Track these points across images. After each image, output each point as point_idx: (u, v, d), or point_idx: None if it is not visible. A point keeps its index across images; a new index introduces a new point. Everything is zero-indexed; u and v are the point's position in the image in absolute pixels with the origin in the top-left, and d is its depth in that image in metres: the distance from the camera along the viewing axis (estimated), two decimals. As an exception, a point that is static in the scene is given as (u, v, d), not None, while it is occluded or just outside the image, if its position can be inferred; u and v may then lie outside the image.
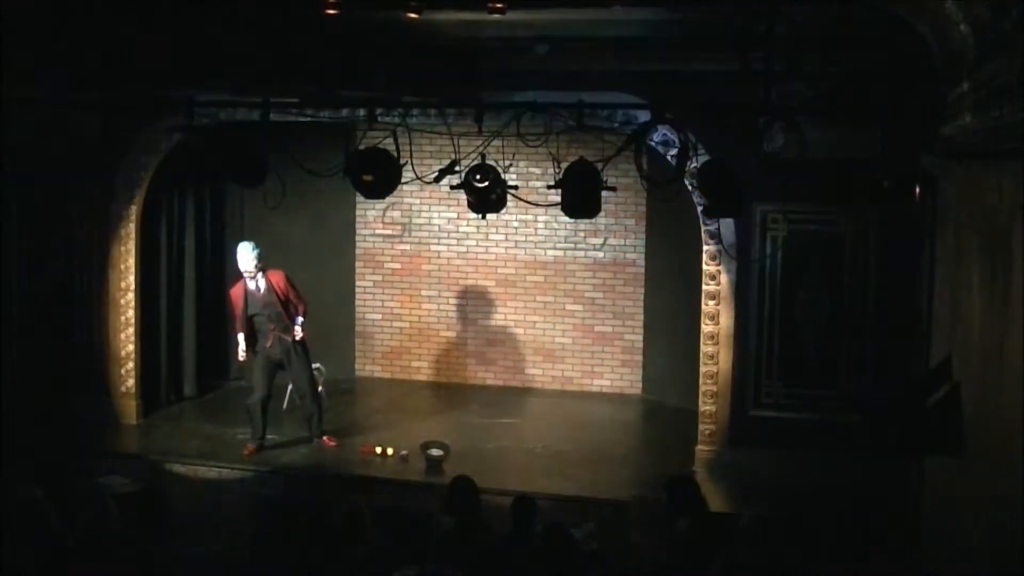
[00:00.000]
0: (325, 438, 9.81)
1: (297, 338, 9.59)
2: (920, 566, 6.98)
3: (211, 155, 9.27)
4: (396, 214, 12.26)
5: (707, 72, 8.51)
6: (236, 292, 9.65)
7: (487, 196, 7.70)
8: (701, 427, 9.26)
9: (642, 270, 11.83)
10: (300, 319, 9.61)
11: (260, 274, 9.53)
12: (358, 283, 12.49)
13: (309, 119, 8.93)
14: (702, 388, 9.26)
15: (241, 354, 9.67)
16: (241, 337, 9.62)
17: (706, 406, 9.23)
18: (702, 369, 9.25)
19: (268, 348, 9.60)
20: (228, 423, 10.44)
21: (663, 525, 6.06)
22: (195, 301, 11.41)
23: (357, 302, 12.51)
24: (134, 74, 8.63)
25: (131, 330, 10.38)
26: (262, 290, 9.53)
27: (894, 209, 8.55)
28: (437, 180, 7.81)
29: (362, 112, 8.69)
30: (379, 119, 7.82)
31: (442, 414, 11.03)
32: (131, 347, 10.39)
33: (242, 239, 11.92)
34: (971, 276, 5.86)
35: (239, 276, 9.67)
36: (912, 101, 7.45)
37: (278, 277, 9.63)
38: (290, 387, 10.78)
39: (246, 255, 9.46)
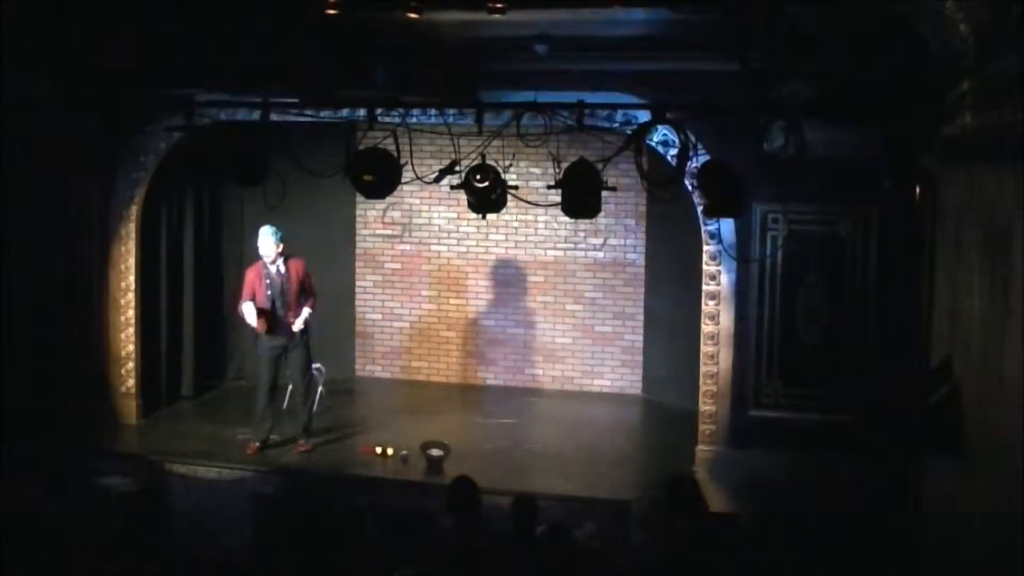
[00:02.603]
0: (300, 443, 9.70)
1: (295, 328, 9.53)
2: (920, 566, 6.98)
3: (211, 155, 9.28)
4: (396, 214, 12.27)
5: (707, 72, 8.51)
6: (254, 272, 9.56)
7: (487, 196, 7.70)
8: (701, 427, 9.26)
9: (642, 270, 11.83)
10: (307, 310, 9.57)
11: (281, 259, 9.51)
12: (358, 283, 12.49)
13: (309, 119, 8.93)
14: (702, 388, 9.26)
15: (253, 321, 9.39)
16: (248, 307, 9.38)
17: (706, 406, 9.23)
18: (702, 369, 9.25)
19: (275, 334, 9.53)
20: (227, 423, 10.45)
21: (663, 525, 6.06)
22: (194, 301, 11.41)
23: (357, 302, 12.51)
24: (134, 74, 8.62)
25: (131, 330, 10.38)
26: (281, 275, 9.51)
27: (894, 209, 8.56)
28: (437, 180, 7.81)
29: (362, 112, 8.69)
30: (379, 119, 7.81)
31: (442, 414, 11.03)
32: (131, 347, 10.39)
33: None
34: (971, 276, 5.86)
35: (256, 259, 9.65)
36: (912, 101, 7.44)
37: (298, 266, 9.59)
38: (290, 387, 10.80)
39: (267, 240, 9.43)
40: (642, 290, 11.85)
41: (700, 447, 9.26)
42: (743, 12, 6.52)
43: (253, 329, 9.62)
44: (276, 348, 9.61)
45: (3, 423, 9.16)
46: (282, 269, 9.51)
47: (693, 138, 7.53)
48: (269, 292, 9.49)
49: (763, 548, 5.69)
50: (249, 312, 9.40)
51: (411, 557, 5.74)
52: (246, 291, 9.56)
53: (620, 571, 6.24)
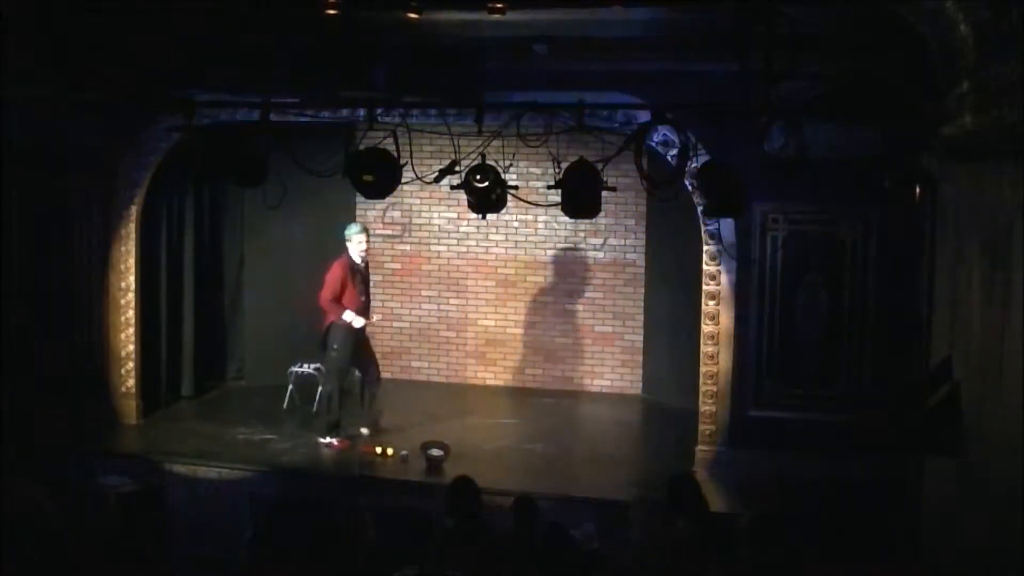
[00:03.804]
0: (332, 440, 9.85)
1: (374, 320, 10.22)
2: (920, 566, 6.98)
3: (211, 155, 9.28)
4: (396, 214, 12.27)
5: (707, 72, 8.51)
6: (342, 269, 9.75)
7: (487, 196, 7.70)
8: (701, 427, 9.25)
9: (642, 270, 11.83)
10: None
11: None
12: (358, 283, 12.48)
13: (309, 119, 8.93)
14: (702, 388, 9.25)
15: (357, 319, 9.73)
16: (349, 313, 9.68)
17: (706, 406, 9.23)
18: (702, 369, 9.25)
19: (357, 327, 9.84)
20: (228, 423, 10.45)
21: (663, 525, 6.07)
22: (194, 301, 11.40)
23: (357, 302, 12.50)
24: (134, 74, 8.63)
25: (131, 330, 10.37)
26: (365, 272, 9.92)
27: (894, 209, 8.56)
28: (437, 180, 7.81)
29: (362, 112, 8.69)
30: (379, 119, 7.81)
31: (442, 414, 11.02)
32: (131, 347, 10.38)
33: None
34: (971, 276, 5.86)
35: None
36: (912, 101, 7.44)
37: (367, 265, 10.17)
38: (290, 387, 10.84)
39: (362, 239, 9.81)
40: (642, 290, 11.84)
41: (700, 447, 9.26)
42: (743, 12, 6.53)
43: (347, 325, 9.73)
44: (357, 339, 9.93)
45: (3, 423, 9.16)
46: (364, 265, 9.92)
47: (693, 138, 7.54)
48: (362, 286, 9.84)
49: (763, 548, 5.68)
50: (351, 317, 9.69)
51: (411, 557, 5.75)
52: (335, 287, 9.71)
53: (620, 571, 6.24)
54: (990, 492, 5.18)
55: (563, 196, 7.46)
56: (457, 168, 7.68)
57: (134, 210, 10.30)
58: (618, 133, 8.24)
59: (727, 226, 9.06)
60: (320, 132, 9.84)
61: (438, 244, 12.30)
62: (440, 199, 11.96)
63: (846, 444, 8.69)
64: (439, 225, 12.27)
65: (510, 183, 7.86)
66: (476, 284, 12.26)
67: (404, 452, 9.43)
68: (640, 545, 6.05)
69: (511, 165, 7.96)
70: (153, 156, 10.23)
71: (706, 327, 9.21)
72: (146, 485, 8.64)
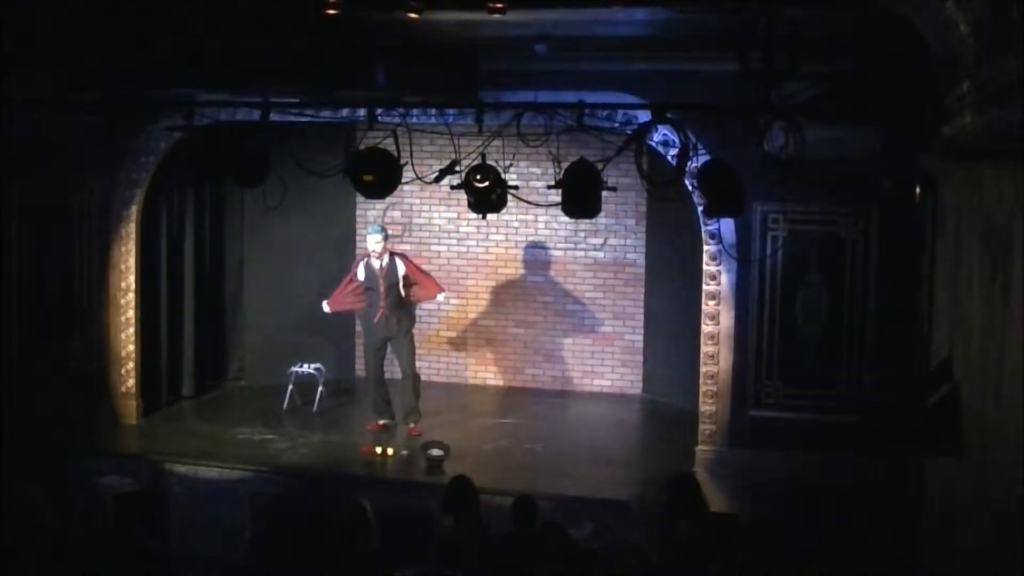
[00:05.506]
0: (411, 426, 10.08)
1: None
2: (919, 566, 6.98)
3: (211, 155, 9.28)
4: (396, 214, 12.26)
5: (707, 72, 8.51)
6: (355, 264, 10.21)
7: (487, 196, 7.70)
8: (701, 427, 9.26)
9: (642, 270, 11.83)
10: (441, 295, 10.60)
11: (386, 254, 10.01)
12: (358, 283, 12.48)
13: (309, 119, 8.93)
14: (702, 388, 9.25)
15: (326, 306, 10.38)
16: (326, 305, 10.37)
17: (706, 406, 9.23)
18: (702, 369, 9.25)
19: (375, 323, 10.07)
20: (228, 423, 10.45)
21: (663, 525, 6.06)
22: (194, 301, 11.41)
23: (357, 302, 12.50)
24: (134, 74, 8.61)
25: (131, 330, 10.38)
26: (383, 268, 9.95)
27: (894, 209, 8.56)
28: (437, 180, 7.81)
29: (362, 112, 8.69)
30: (379, 119, 7.81)
31: (442, 414, 11.02)
32: (131, 347, 10.39)
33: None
34: (971, 276, 5.86)
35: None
36: (912, 101, 7.44)
37: (405, 260, 10.24)
38: (290, 387, 10.82)
39: (373, 238, 10.01)
40: (642, 290, 11.84)
41: (700, 447, 9.26)
42: (743, 12, 6.53)
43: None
44: (379, 335, 10.22)
45: (3, 423, 9.16)
46: (385, 262, 9.98)
47: (693, 138, 7.53)
48: (368, 283, 10.09)
49: (763, 548, 5.69)
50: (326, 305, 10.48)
51: (411, 557, 5.75)
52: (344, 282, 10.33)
53: (620, 571, 6.23)
54: (990, 492, 5.18)
55: (563, 196, 7.46)
56: (457, 168, 7.69)
57: (134, 210, 10.30)
58: (618, 133, 8.24)
59: (727, 226, 9.06)
60: (320, 132, 9.85)
61: (438, 244, 12.30)
62: (440, 199, 11.96)
63: (846, 444, 8.69)
64: (439, 225, 12.27)
65: (510, 183, 7.86)
66: (476, 284, 12.26)
67: (404, 452, 9.43)
68: (640, 545, 6.05)
69: (511, 165, 7.96)
70: (153, 156, 10.24)
71: (706, 327, 9.21)
72: (146, 485, 8.65)
